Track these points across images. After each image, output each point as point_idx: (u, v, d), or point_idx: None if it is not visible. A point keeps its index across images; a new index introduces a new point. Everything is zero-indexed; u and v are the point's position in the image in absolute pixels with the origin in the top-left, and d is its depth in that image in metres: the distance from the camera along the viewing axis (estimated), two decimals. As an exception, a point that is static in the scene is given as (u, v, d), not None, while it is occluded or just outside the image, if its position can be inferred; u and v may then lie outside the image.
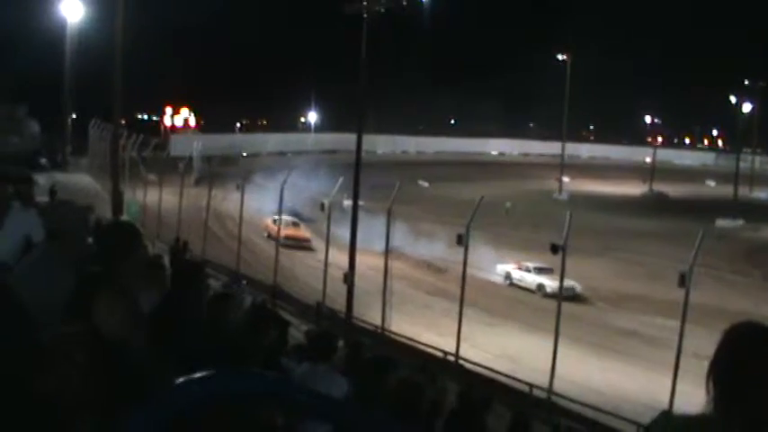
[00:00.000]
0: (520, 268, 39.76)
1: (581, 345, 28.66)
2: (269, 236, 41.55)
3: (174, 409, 2.50)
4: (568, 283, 36.20)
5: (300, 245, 42.16)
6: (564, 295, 35.67)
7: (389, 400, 5.31)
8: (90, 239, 6.98)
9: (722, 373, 3.05)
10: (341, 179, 32.39)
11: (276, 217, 38.90)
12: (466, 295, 25.99)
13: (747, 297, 37.65)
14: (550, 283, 36.35)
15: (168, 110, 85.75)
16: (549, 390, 21.84)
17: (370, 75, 33.13)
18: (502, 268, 40.40)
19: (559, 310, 23.33)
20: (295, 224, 44.13)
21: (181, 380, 2.57)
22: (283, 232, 37.73)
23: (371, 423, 3.06)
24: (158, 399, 2.56)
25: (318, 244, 39.28)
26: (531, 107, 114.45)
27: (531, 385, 22.02)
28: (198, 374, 2.57)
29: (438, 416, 8.12)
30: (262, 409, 3.78)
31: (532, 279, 38.83)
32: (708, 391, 3.05)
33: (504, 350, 28.36)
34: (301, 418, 5.41)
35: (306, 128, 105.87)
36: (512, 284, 39.73)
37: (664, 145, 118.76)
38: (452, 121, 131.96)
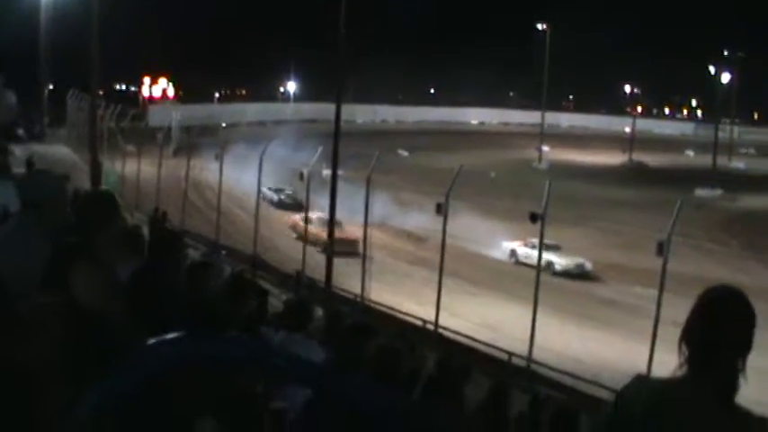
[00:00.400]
0: (526, 245, 37.51)
1: (562, 314, 28.81)
2: (299, 238, 35.81)
3: (144, 370, 2.47)
4: (578, 260, 36.31)
5: (350, 249, 34.01)
6: (574, 273, 35.92)
7: (368, 367, 5.33)
8: (68, 209, 6.95)
9: (695, 335, 3.14)
10: (320, 148, 32.29)
11: (312, 215, 35.13)
12: (451, 266, 26.05)
13: (725, 266, 37.96)
14: (560, 261, 36.18)
15: (146, 80, 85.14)
16: (529, 358, 21.97)
17: (350, 44, 32.94)
18: (507, 245, 39.33)
19: (538, 278, 23.39)
20: (337, 224, 35.20)
21: (152, 341, 2.54)
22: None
23: (351, 387, 3.07)
24: (128, 360, 2.54)
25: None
26: (512, 77, 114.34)
27: (510, 354, 22.13)
28: (170, 335, 2.54)
29: (416, 383, 8.16)
30: (240, 374, 3.80)
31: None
32: (680, 354, 3.14)
33: (486, 319, 28.45)
34: (281, 383, 5.43)
35: (285, 97, 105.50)
36: (518, 263, 38.09)
37: (643, 115, 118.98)
38: (432, 91, 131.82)
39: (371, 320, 18.48)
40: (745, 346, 3.13)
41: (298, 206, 40.90)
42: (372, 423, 4.15)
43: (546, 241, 36.43)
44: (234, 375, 3.44)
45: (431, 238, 34.48)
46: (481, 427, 8.56)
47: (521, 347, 22.52)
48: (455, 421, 5.98)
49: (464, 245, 36.32)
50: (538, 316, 22.75)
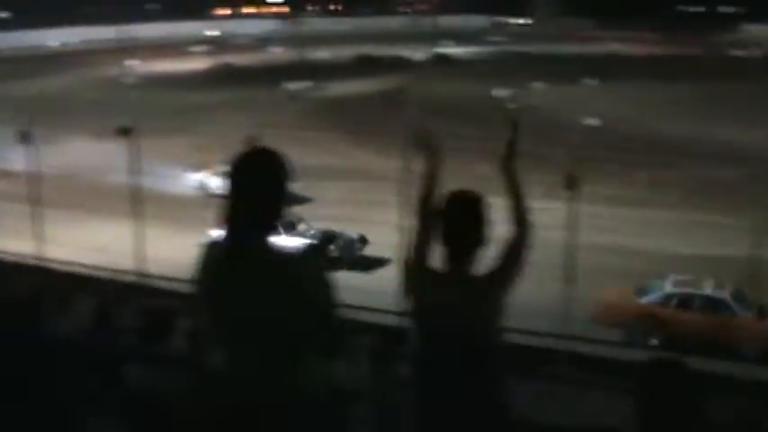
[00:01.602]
0: (216, 174, 32.24)
1: (178, 225, 28.88)
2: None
3: None
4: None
5: None
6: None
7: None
8: None
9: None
10: None
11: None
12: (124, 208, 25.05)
13: (320, 150, 39.54)
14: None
15: None
16: (139, 273, 22.03)
17: None
18: (193, 177, 35.02)
19: (139, 195, 23.33)
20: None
21: None
22: None
23: None
24: None
25: None
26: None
27: (115, 270, 22.06)
28: None
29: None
30: None
31: None
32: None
33: (95, 243, 27.84)
34: None
35: None
36: (211, 196, 31.86)
37: (230, 17, 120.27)
38: (4, 16, 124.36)
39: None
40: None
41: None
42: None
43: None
44: None
45: (20, 170, 32.31)
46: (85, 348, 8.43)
47: (135, 264, 22.53)
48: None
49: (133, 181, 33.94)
50: (162, 233, 22.80)
